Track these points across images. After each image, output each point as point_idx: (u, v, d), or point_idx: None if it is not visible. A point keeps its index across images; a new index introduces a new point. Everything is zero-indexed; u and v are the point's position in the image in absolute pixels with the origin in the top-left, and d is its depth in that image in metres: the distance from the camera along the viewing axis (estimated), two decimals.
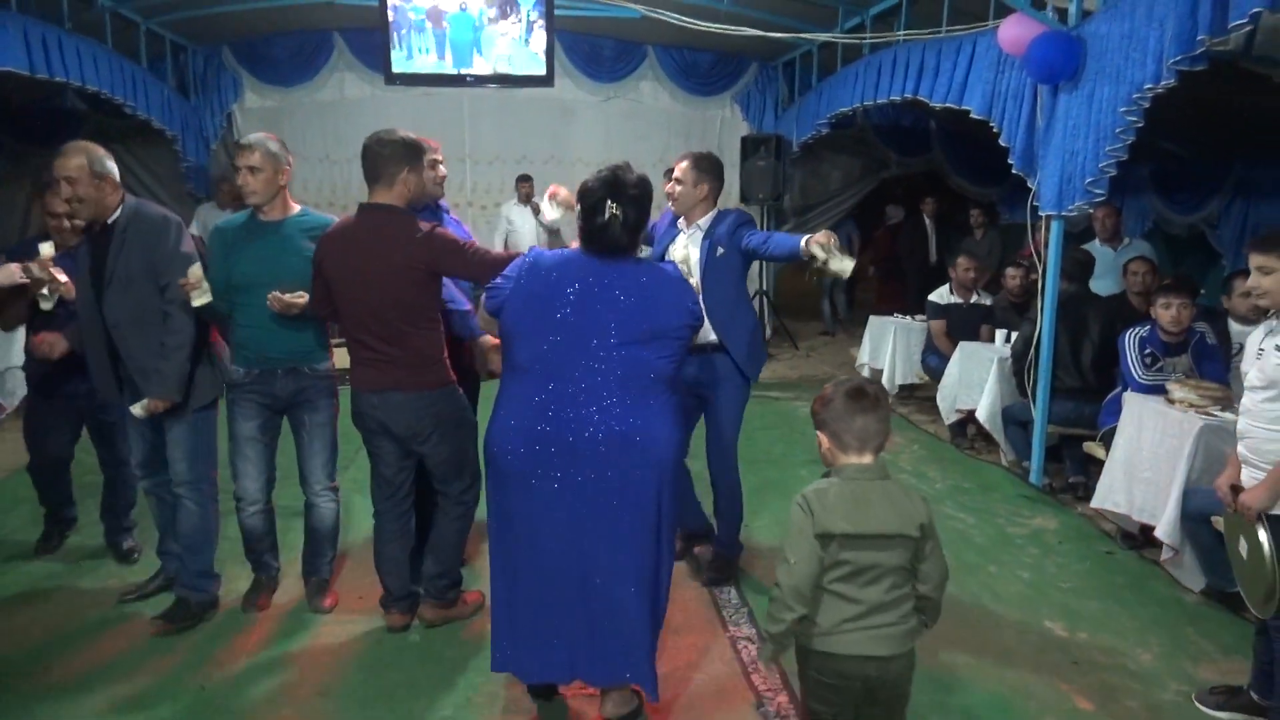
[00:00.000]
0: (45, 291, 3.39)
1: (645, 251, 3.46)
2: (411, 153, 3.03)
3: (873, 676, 2.06)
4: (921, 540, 2.06)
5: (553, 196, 3.79)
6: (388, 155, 3.00)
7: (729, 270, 3.55)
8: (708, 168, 3.61)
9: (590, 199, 2.47)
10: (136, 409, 3.15)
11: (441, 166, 3.56)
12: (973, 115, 5.52)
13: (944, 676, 3.04)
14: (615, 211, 2.43)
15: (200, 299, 3.12)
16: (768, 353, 3.89)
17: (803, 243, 3.28)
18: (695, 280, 3.25)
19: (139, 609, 3.43)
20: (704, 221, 3.60)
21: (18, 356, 5.92)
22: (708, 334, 3.56)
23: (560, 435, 2.42)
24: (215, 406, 3.35)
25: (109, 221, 3.15)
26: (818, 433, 2.20)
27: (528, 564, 2.50)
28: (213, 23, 8.25)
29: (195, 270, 3.09)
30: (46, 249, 3.37)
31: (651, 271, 2.54)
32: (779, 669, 2.99)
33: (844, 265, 3.26)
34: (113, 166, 3.17)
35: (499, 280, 2.56)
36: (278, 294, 3.07)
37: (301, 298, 3.10)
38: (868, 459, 2.13)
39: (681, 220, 3.67)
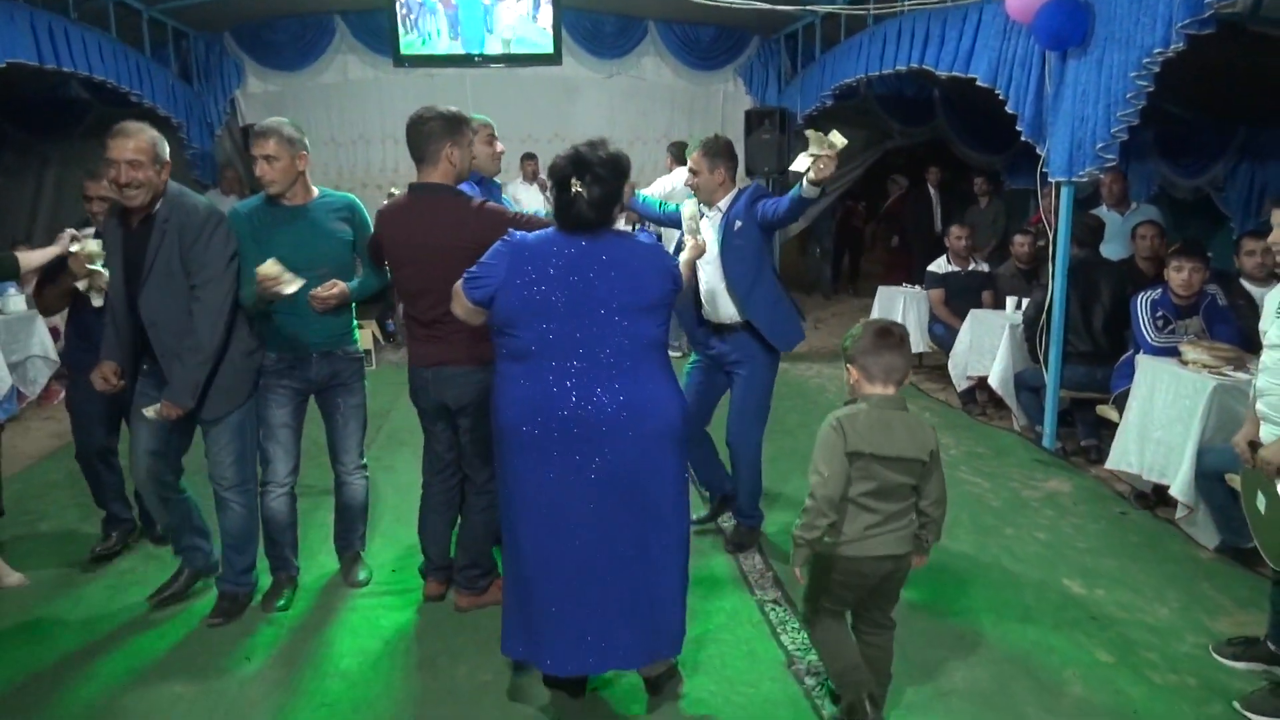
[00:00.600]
0: (83, 285, 3.30)
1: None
2: (452, 126, 3.04)
3: (889, 571, 2.45)
4: (930, 464, 2.41)
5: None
6: (428, 132, 3.01)
7: (747, 243, 3.60)
8: (718, 151, 3.65)
9: (557, 175, 2.48)
10: (149, 412, 3.07)
11: (499, 143, 3.60)
12: (979, 84, 5.55)
13: (968, 634, 3.12)
14: (579, 189, 2.43)
15: (291, 286, 2.95)
16: (802, 329, 3.90)
17: (804, 188, 3.35)
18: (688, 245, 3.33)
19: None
20: (723, 203, 3.67)
21: (39, 346, 5.99)
22: (731, 312, 3.64)
23: (573, 414, 2.40)
24: (253, 400, 3.26)
25: (153, 210, 2.97)
26: (847, 366, 2.51)
27: (553, 549, 2.47)
28: (214, 9, 8.25)
29: (270, 266, 2.90)
30: (93, 245, 3.21)
31: (631, 243, 2.54)
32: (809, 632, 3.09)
33: (832, 142, 3.25)
34: (167, 149, 3.02)
35: (477, 270, 2.51)
36: (316, 293, 3.09)
37: (335, 286, 3.14)
38: (891, 390, 2.44)
39: (703, 205, 3.73)
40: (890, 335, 2.44)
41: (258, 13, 8.77)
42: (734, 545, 3.82)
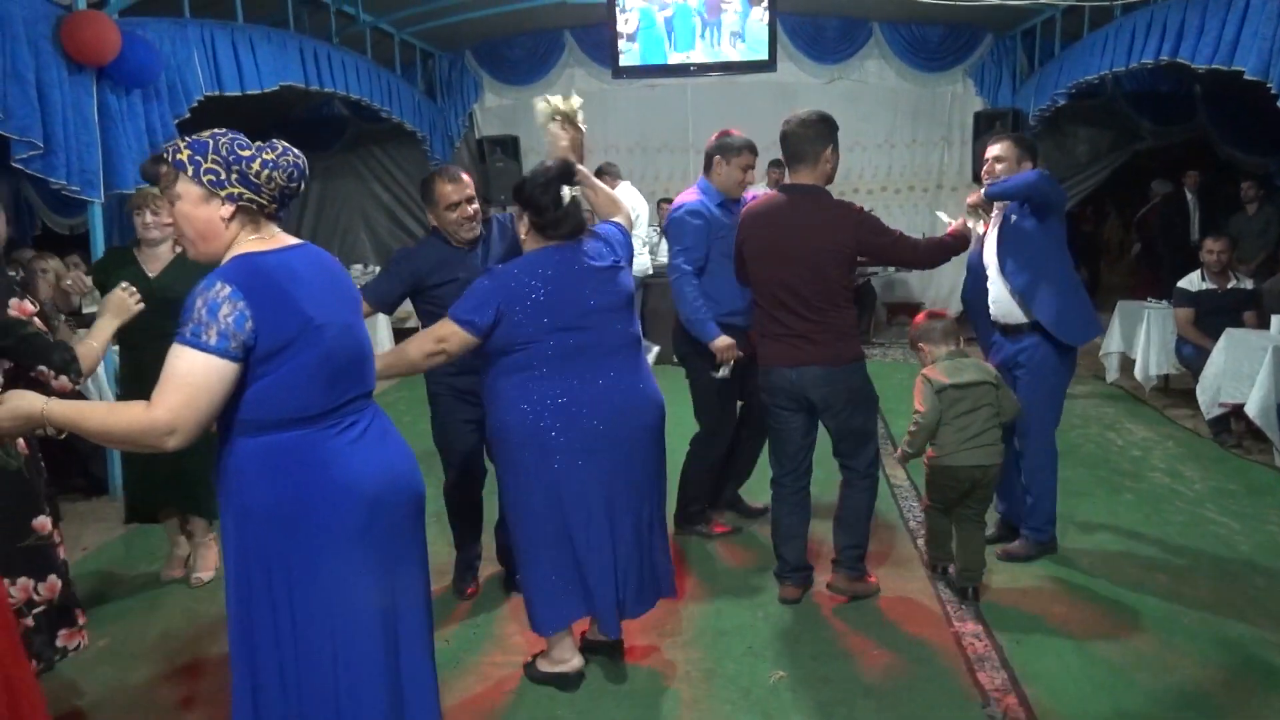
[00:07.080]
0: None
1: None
2: (830, 130, 3.16)
3: (976, 478, 3.25)
4: (997, 387, 3.26)
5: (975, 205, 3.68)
6: (809, 135, 3.14)
7: (1023, 234, 3.51)
8: (1029, 146, 3.63)
9: (547, 194, 2.59)
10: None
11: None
12: (1247, 77, 4.96)
13: (1195, 695, 2.79)
14: (575, 193, 2.66)
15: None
16: (1098, 322, 3.79)
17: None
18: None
19: None
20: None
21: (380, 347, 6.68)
22: (1014, 313, 3.57)
23: (592, 411, 2.62)
24: None
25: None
26: (917, 349, 3.40)
27: (596, 531, 2.67)
28: (457, 29, 8.86)
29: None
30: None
31: (602, 239, 2.75)
32: (1007, 673, 2.90)
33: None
34: None
35: (463, 312, 2.56)
36: None
37: None
38: (953, 346, 3.33)
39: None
40: (937, 315, 3.46)
41: (495, 31, 9.33)
42: (1007, 556, 3.70)
